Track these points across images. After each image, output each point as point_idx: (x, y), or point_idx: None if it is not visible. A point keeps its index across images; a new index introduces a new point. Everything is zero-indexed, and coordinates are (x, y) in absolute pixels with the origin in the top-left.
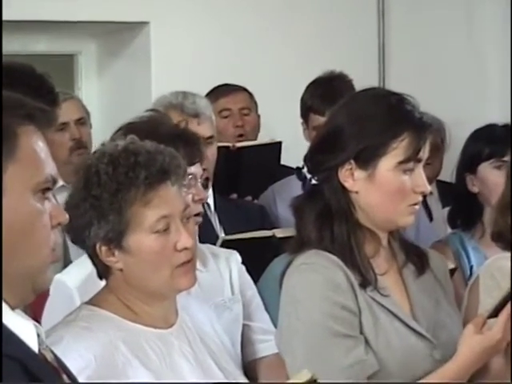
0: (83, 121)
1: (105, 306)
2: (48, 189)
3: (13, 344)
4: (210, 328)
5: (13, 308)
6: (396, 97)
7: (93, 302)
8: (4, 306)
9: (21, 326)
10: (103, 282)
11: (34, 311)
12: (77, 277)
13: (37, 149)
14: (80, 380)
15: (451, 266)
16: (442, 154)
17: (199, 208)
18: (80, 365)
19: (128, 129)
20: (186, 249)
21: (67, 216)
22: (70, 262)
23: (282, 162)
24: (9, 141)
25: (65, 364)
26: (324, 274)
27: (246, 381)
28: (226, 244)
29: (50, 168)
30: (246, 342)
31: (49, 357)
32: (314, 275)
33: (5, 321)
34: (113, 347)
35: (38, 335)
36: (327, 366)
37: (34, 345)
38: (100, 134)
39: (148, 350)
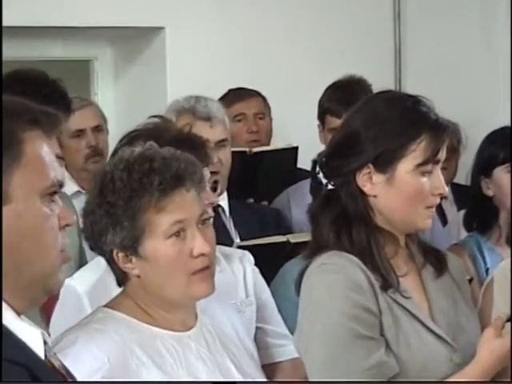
0: (100, 128)
1: (121, 308)
2: (55, 192)
3: (20, 350)
4: (232, 330)
5: (21, 313)
6: (411, 99)
7: (110, 305)
8: (11, 313)
9: (28, 333)
10: (113, 286)
11: (48, 314)
12: (87, 282)
13: (42, 154)
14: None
15: (467, 276)
16: (458, 157)
17: (210, 212)
18: (94, 366)
19: (133, 137)
20: (202, 255)
21: (75, 217)
22: (86, 263)
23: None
24: (14, 147)
25: (72, 373)
26: (345, 274)
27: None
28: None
29: (56, 172)
30: (260, 345)
31: (56, 364)
32: (335, 275)
33: (12, 328)
34: (127, 349)
35: (45, 342)
36: (348, 368)
37: (40, 352)
38: (115, 140)
39: (163, 352)
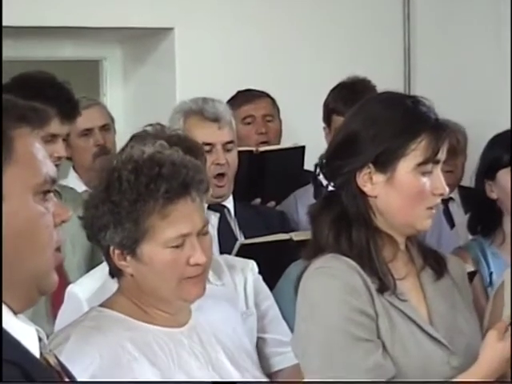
0: (108, 127)
1: (115, 307)
2: (48, 190)
3: (13, 349)
4: (229, 327)
5: (17, 312)
6: (411, 99)
7: (104, 304)
8: (6, 311)
9: (22, 331)
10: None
11: (55, 318)
12: (89, 289)
13: (33, 150)
14: (85, 377)
15: (471, 268)
16: (464, 159)
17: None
18: (85, 362)
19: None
20: (198, 265)
21: (70, 213)
22: (101, 262)
23: (305, 167)
24: (4, 144)
25: (68, 369)
26: (341, 278)
27: (266, 379)
28: (244, 248)
29: (48, 168)
30: (261, 355)
31: (52, 361)
32: (332, 279)
33: (6, 326)
34: (119, 346)
35: (40, 339)
36: (346, 370)
37: (35, 350)
38: (124, 140)
39: (156, 348)
